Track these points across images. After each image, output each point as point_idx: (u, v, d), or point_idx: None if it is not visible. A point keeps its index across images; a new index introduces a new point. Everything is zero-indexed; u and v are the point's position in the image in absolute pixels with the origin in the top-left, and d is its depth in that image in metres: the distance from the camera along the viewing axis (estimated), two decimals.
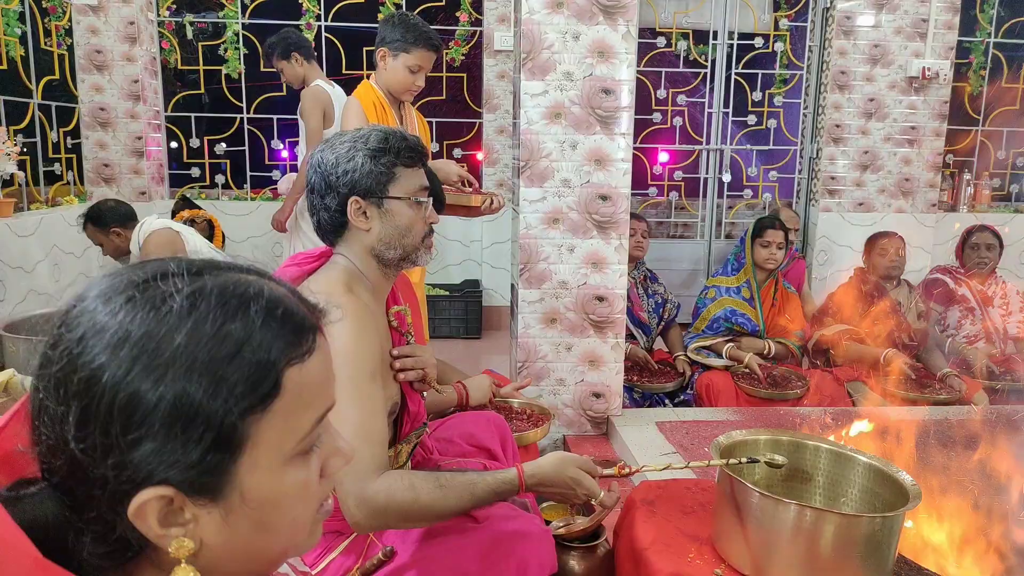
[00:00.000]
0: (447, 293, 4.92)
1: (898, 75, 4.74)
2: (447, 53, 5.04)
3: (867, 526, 1.31)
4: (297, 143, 5.07)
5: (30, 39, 4.07)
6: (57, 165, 4.41)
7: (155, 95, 4.89)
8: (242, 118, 4.99)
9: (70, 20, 4.53)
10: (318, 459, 0.62)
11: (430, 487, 1.31)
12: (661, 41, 5.11)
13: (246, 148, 5.00)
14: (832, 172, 4.88)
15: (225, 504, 0.56)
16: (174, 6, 4.90)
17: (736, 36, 4.96)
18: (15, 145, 3.61)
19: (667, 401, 3.27)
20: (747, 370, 3.14)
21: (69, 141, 4.55)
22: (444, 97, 5.24)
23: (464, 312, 4.88)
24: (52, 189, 4.37)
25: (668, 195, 5.31)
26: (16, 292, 3.65)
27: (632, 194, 2.87)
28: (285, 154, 5.15)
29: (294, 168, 5.14)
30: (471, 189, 2.67)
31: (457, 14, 5.04)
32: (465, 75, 5.17)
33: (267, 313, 0.57)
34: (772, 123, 5.21)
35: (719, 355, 3.25)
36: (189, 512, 0.55)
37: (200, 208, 4.40)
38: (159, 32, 4.88)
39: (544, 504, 2.02)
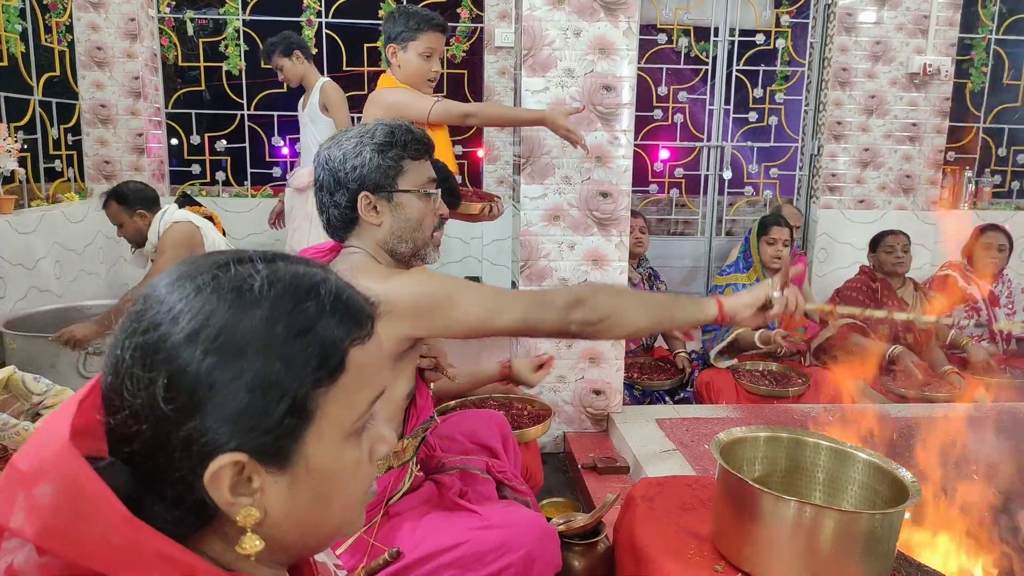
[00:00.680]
0: None
1: (899, 72, 4.74)
2: (448, 50, 5.03)
3: (867, 523, 1.31)
4: (298, 139, 5.07)
5: (31, 35, 4.07)
6: (58, 162, 4.41)
7: (156, 92, 4.88)
8: (243, 115, 4.98)
9: (71, 16, 4.52)
10: (366, 442, 0.67)
11: (625, 287, 1.44)
12: (662, 38, 5.10)
13: (247, 145, 5.00)
14: (833, 169, 4.88)
15: (291, 473, 0.60)
16: (174, 3, 4.89)
17: (737, 33, 4.95)
18: (16, 142, 3.61)
19: (667, 398, 3.27)
20: (749, 366, 3.13)
21: (70, 138, 4.55)
22: (445, 94, 5.23)
23: None
24: (53, 186, 4.37)
25: (669, 192, 5.30)
26: (17, 289, 3.65)
27: (633, 191, 2.87)
28: (285, 151, 5.14)
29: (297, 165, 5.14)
30: (470, 191, 2.67)
31: (458, 11, 5.03)
32: (466, 72, 5.17)
33: (334, 297, 0.62)
34: (773, 120, 5.20)
35: (729, 356, 3.23)
36: (257, 482, 0.59)
37: (201, 205, 4.40)
38: (160, 28, 4.88)
39: (545, 501, 2.03)
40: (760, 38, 5.06)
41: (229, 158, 5.07)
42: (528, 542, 1.44)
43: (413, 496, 1.59)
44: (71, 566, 0.54)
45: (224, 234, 4.42)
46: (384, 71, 2.69)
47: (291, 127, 5.11)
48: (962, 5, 4.73)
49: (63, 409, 0.58)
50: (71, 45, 4.54)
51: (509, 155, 4.96)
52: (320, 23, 4.88)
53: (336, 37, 4.97)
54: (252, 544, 0.59)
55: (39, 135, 4.16)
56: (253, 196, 5.03)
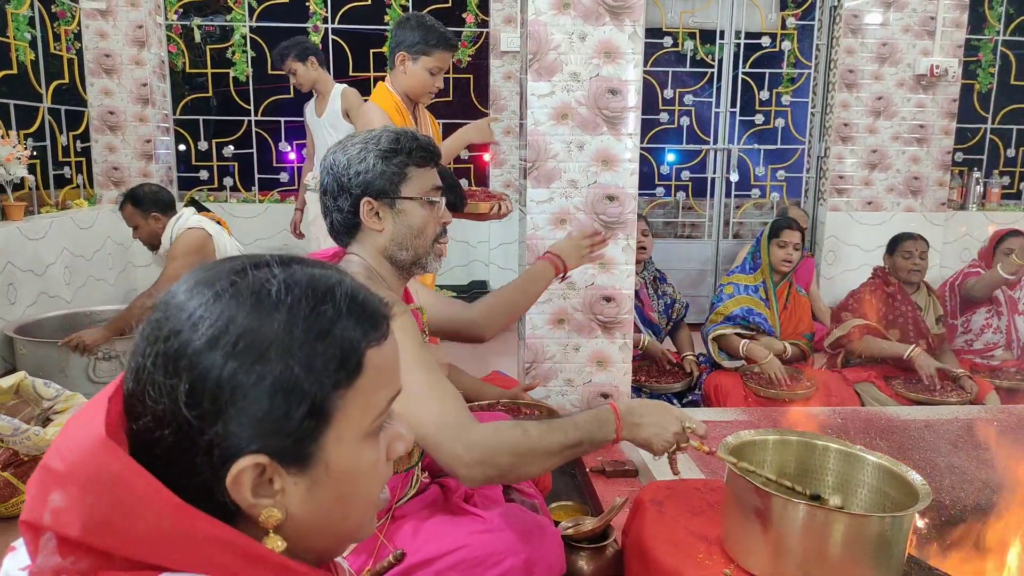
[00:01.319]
0: (454, 294, 4.93)
1: (906, 73, 4.73)
2: (453, 55, 5.04)
3: (877, 526, 1.31)
4: (304, 145, 5.09)
5: (40, 44, 4.10)
6: (67, 168, 4.44)
7: (163, 98, 4.91)
8: (250, 121, 5.01)
9: (79, 24, 4.56)
10: (384, 441, 0.68)
11: (535, 424, 1.32)
12: (668, 41, 5.11)
13: (254, 150, 5.02)
14: (840, 171, 4.86)
15: (312, 474, 0.61)
16: (182, 10, 4.92)
17: (743, 35, 4.95)
18: (25, 149, 3.64)
19: (675, 401, 3.26)
20: (758, 368, 3.13)
21: (79, 145, 4.58)
22: (451, 98, 5.25)
23: None
24: (62, 192, 4.40)
25: (675, 195, 5.30)
26: (27, 295, 3.67)
27: (639, 194, 2.86)
28: (292, 156, 5.16)
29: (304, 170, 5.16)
30: (479, 191, 2.68)
31: (463, 15, 5.05)
32: (472, 76, 5.18)
33: (350, 299, 0.63)
34: (780, 122, 5.19)
35: (734, 356, 3.23)
36: (279, 483, 0.60)
37: (209, 210, 4.41)
38: (167, 35, 4.91)
39: (553, 504, 2.02)
40: (766, 41, 5.06)
41: (236, 164, 5.09)
42: (530, 546, 1.43)
43: (418, 499, 1.59)
44: (110, 562, 0.54)
45: None
46: (385, 76, 2.71)
47: (298, 133, 5.13)
48: (969, 6, 4.71)
49: (92, 407, 0.59)
50: (80, 53, 4.58)
51: (515, 159, 4.97)
52: (326, 29, 4.90)
53: (342, 42, 4.99)
54: (275, 544, 0.60)
55: (48, 142, 4.19)
56: (261, 201, 5.05)
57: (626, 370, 2.88)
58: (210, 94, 5.20)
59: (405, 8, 4.92)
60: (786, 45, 5.10)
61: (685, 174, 5.26)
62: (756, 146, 5.28)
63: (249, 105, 4.99)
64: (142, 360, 0.59)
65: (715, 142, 5.07)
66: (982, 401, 3.08)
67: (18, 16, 3.93)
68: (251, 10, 4.89)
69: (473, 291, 4.96)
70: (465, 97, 5.23)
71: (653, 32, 5.04)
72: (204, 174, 5.08)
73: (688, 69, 5.24)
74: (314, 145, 3.98)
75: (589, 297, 2.81)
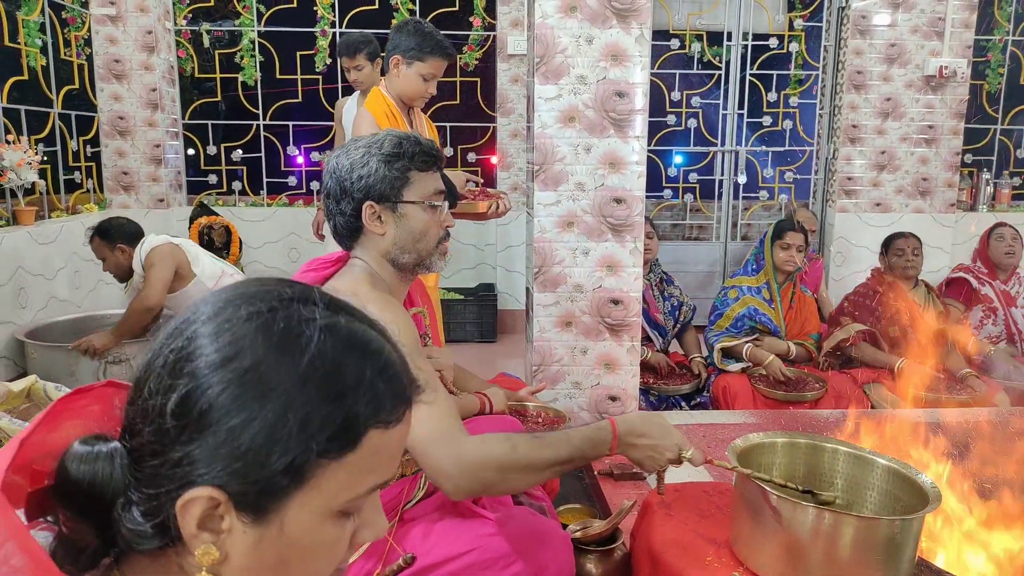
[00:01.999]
0: (462, 297, 4.93)
1: (915, 74, 4.71)
2: (460, 58, 5.06)
3: (886, 529, 1.30)
4: (313, 149, 5.11)
5: (50, 49, 4.13)
6: (77, 173, 4.47)
7: (172, 103, 4.94)
8: (258, 125, 5.03)
9: (89, 30, 4.59)
10: (352, 525, 0.64)
11: (526, 439, 1.31)
12: (675, 43, 5.10)
13: (262, 154, 5.04)
14: (849, 172, 4.85)
15: (263, 530, 0.58)
16: (191, 15, 4.95)
17: (750, 37, 4.95)
18: (36, 154, 3.67)
19: (683, 404, 3.26)
20: (764, 372, 3.12)
21: (89, 149, 4.61)
22: (458, 102, 5.26)
23: (479, 316, 4.89)
24: (72, 197, 4.43)
25: (683, 197, 5.29)
26: (37, 299, 3.70)
27: (647, 196, 2.86)
28: (300, 160, 5.18)
29: (312, 174, 5.18)
30: (477, 191, 2.68)
31: (470, 19, 5.06)
32: (479, 79, 5.19)
33: (380, 371, 0.60)
34: (787, 124, 5.18)
35: (739, 359, 3.23)
36: (227, 523, 0.57)
37: (218, 215, 4.44)
38: (176, 41, 4.94)
39: (561, 507, 2.02)
40: (773, 42, 5.05)
41: (245, 168, 5.12)
42: (539, 549, 1.43)
43: (427, 502, 1.59)
44: None
45: (241, 244, 4.46)
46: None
47: (306, 136, 5.15)
48: (978, 7, 4.69)
49: (4, 450, 0.57)
50: (90, 58, 4.61)
51: (523, 162, 4.98)
52: (334, 33, 4.92)
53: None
54: None
55: (59, 147, 4.22)
56: (269, 205, 5.07)
57: (634, 372, 2.88)
58: (219, 98, 5.22)
59: (412, 12, 4.93)
60: (794, 47, 5.09)
61: (693, 176, 5.26)
62: (764, 148, 5.27)
63: (257, 109, 5.02)
64: (159, 349, 0.59)
65: (723, 144, 5.06)
66: (992, 400, 3.07)
67: (29, 22, 3.96)
68: (259, 15, 4.91)
69: (480, 294, 4.96)
70: (472, 100, 5.24)
71: (660, 34, 5.04)
72: (213, 178, 5.11)
73: (695, 71, 5.24)
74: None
75: (597, 300, 2.81)
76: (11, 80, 3.85)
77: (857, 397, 3.11)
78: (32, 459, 0.59)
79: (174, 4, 4.88)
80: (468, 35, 5.07)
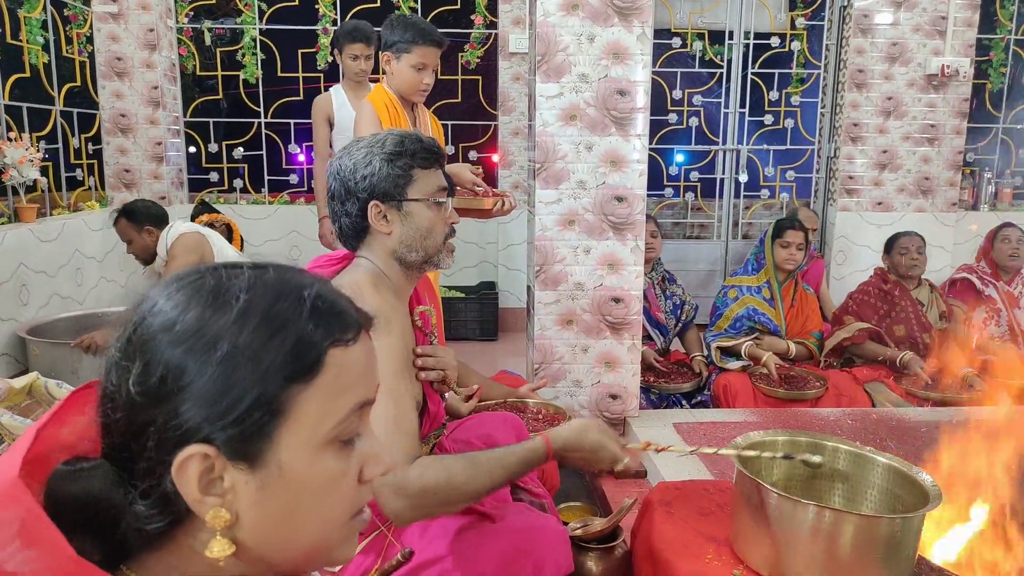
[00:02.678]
0: (463, 295, 4.94)
1: (917, 73, 4.70)
2: (462, 56, 5.06)
3: (887, 527, 1.30)
4: (312, 147, 5.09)
5: (52, 47, 4.14)
6: (79, 171, 4.47)
7: (174, 101, 4.94)
8: (260, 123, 5.03)
9: (91, 28, 4.59)
10: (357, 460, 0.65)
11: (462, 466, 1.33)
12: (676, 42, 5.10)
13: (263, 152, 5.04)
14: (850, 171, 4.84)
15: (263, 474, 0.59)
16: (192, 13, 4.95)
17: (752, 36, 4.94)
18: (38, 151, 3.67)
19: (684, 402, 3.26)
20: (764, 370, 3.13)
21: (90, 147, 4.61)
22: (459, 100, 5.26)
23: (480, 314, 4.89)
24: (74, 195, 4.43)
25: (684, 196, 5.29)
26: (39, 296, 3.70)
27: (648, 195, 2.86)
28: (302, 158, 5.18)
29: (313, 172, 5.17)
30: (482, 190, 2.68)
31: (472, 17, 5.05)
32: (480, 78, 5.18)
33: (317, 299, 0.62)
34: (789, 123, 5.18)
35: (738, 357, 3.23)
36: (228, 480, 0.59)
37: (219, 212, 4.44)
38: (178, 39, 4.94)
39: (562, 505, 2.02)
40: (775, 41, 5.04)
41: (246, 166, 5.12)
42: (538, 545, 1.44)
43: None
44: None
45: (242, 241, 4.46)
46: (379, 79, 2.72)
47: (308, 135, 5.15)
48: (980, 5, 4.68)
49: (18, 443, 0.59)
50: (91, 56, 4.61)
51: (524, 160, 4.98)
52: (335, 31, 4.92)
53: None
54: (221, 548, 0.58)
55: (60, 145, 4.22)
56: (270, 203, 5.07)
57: (634, 371, 2.88)
58: (220, 96, 5.22)
59: (414, 10, 4.93)
60: (795, 45, 5.09)
61: (694, 175, 5.25)
62: (765, 146, 5.26)
63: (259, 107, 5.02)
64: (113, 346, 0.61)
65: (724, 143, 5.06)
66: (993, 400, 3.06)
67: (31, 20, 3.96)
68: (261, 13, 4.91)
69: (482, 292, 4.96)
70: (473, 98, 5.24)
71: (661, 33, 5.03)
72: (214, 176, 5.11)
73: (697, 70, 5.23)
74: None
75: (598, 298, 2.81)
76: (13, 77, 3.85)
77: (858, 396, 3.11)
78: (48, 450, 0.60)
79: (176, 2, 4.88)
80: (470, 33, 5.06)
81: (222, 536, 0.59)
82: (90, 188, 4.58)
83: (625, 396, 2.89)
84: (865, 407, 3.03)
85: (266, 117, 5.03)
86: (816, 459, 1.47)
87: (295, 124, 5.07)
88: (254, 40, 4.93)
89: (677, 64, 5.22)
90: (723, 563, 1.45)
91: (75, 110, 4.41)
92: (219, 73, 5.09)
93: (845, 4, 4.76)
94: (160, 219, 3.36)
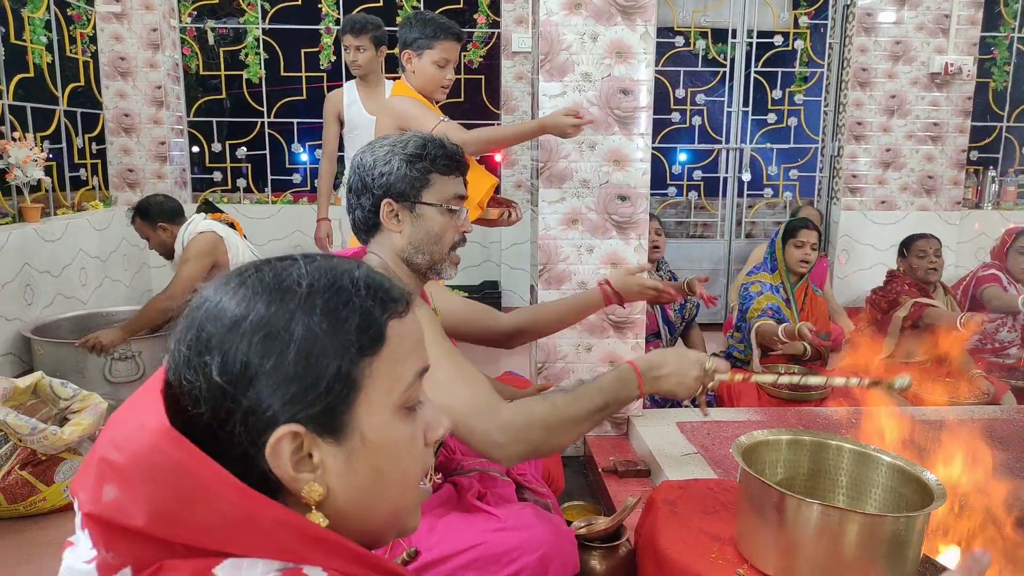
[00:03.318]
0: (466, 294, 4.94)
1: (920, 71, 4.69)
2: (465, 55, 5.06)
3: (891, 526, 1.30)
4: (318, 146, 5.10)
5: (56, 47, 4.14)
6: (83, 170, 4.48)
7: (177, 100, 4.95)
8: (263, 122, 5.04)
9: (95, 28, 4.60)
10: (421, 424, 0.69)
11: (560, 395, 1.36)
12: (679, 40, 5.09)
13: (267, 152, 5.05)
14: (854, 170, 4.84)
15: (348, 445, 0.63)
16: (196, 12, 4.96)
17: (755, 34, 4.94)
18: (42, 151, 3.68)
19: (688, 401, 3.25)
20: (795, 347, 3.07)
21: (94, 147, 4.62)
22: (462, 99, 5.26)
23: None
24: (78, 194, 4.44)
25: (687, 195, 5.29)
26: (44, 296, 3.71)
27: (651, 194, 2.86)
28: (305, 157, 5.19)
29: (317, 172, 5.18)
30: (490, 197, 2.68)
31: (475, 16, 5.06)
32: (483, 77, 5.19)
33: (368, 279, 0.67)
34: (792, 121, 5.17)
35: (770, 344, 3.19)
36: (317, 456, 0.62)
37: (222, 211, 4.44)
38: (181, 38, 4.94)
39: (566, 504, 2.02)
40: (778, 39, 5.04)
41: (250, 165, 5.13)
42: (543, 544, 1.44)
43: (432, 498, 1.60)
44: (172, 550, 0.56)
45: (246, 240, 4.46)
46: (399, 77, 2.70)
47: (311, 134, 5.15)
48: (984, 4, 4.67)
49: (146, 398, 0.61)
50: (95, 56, 4.62)
51: (527, 159, 4.98)
52: (338, 30, 4.92)
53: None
54: (318, 521, 0.61)
55: (64, 144, 4.23)
56: (274, 202, 5.08)
57: None
58: (223, 96, 5.23)
59: (417, 9, 4.93)
60: (799, 44, 5.08)
61: (697, 173, 5.25)
62: (769, 145, 5.26)
63: (262, 107, 5.02)
64: (177, 347, 0.63)
65: (727, 141, 5.06)
66: (999, 401, 3.06)
67: (35, 20, 3.97)
68: (264, 12, 4.92)
69: (485, 291, 4.97)
70: (476, 97, 5.24)
71: (665, 31, 5.03)
72: (217, 175, 5.12)
73: (700, 68, 5.23)
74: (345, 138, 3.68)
75: None
76: (17, 77, 3.86)
77: (863, 396, 3.10)
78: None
79: (179, 2, 4.89)
80: (472, 32, 5.07)
81: (317, 510, 0.62)
82: (94, 188, 4.59)
83: None
84: (870, 407, 3.02)
85: (269, 116, 5.03)
86: (904, 381, 1.45)
87: (298, 123, 5.08)
88: (257, 40, 4.93)
89: (680, 63, 5.22)
90: (727, 562, 1.45)
91: (79, 110, 4.42)
92: (222, 73, 5.10)
93: (848, 2, 4.76)
94: (173, 213, 3.35)
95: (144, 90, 4.72)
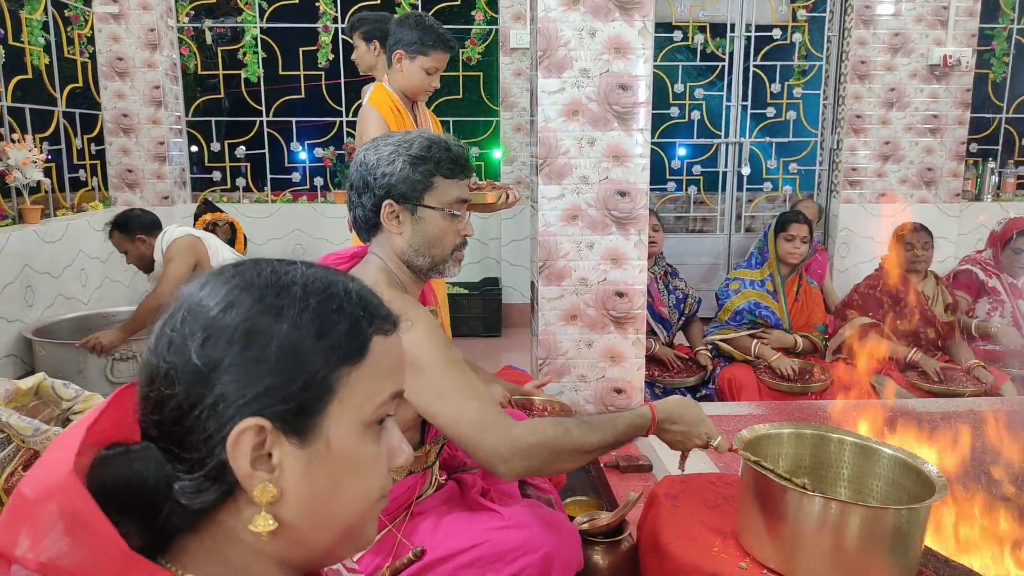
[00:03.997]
0: (467, 291, 4.94)
1: (919, 63, 4.68)
2: (463, 52, 5.05)
3: (893, 518, 1.31)
4: (317, 145, 5.10)
5: (54, 48, 4.14)
6: (82, 171, 4.48)
7: (176, 100, 4.95)
8: (261, 121, 5.03)
9: (92, 28, 4.60)
10: (385, 445, 0.68)
11: (575, 423, 1.37)
12: (678, 35, 5.09)
13: (266, 151, 5.05)
14: (853, 163, 4.83)
15: (312, 449, 0.62)
16: (193, 12, 4.95)
17: (753, 28, 4.93)
18: (41, 153, 3.68)
19: (689, 396, 3.26)
20: (774, 364, 3.12)
21: (93, 147, 4.62)
22: (460, 96, 5.26)
23: (484, 310, 4.89)
24: (77, 195, 4.44)
25: (687, 189, 5.29)
26: (44, 297, 3.71)
27: (650, 189, 2.86)
28: (304, 156, 5.19)
29: (316, 170, 5.18)
30: (485, 183, 2.68)
31: (472, 13, 5.05)
32: (481, 74, 5.18)
33: (360, 292, 0.67)
34: (791, 115, 5.16)
35: (731, 359, 3.26)
36: (277, 456, 0.61)
37: (222, 211, 4.45)
38: (179, 38, 4.94)
39: (568, 500, 2.03)
40: (777, 33, 5.03)
41: (249, 164, 5.12)
42: (548, 541, 1.44)
43: (436, 495, 1.60)
44: None
45: (245, 240, 4.47)
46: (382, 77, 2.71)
47: (310, 133, 5.15)
48: None
49: (70, 434, 0.60)
50: (93, 56, 4.61)
51: (526, 156, 4.97)
52: (336, 29, 4.92)
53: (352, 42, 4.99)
54: (265, 523, 0.60)
55: (63, 145, 4.23)
56: (273, 201, 5.08)
57: (639, 365, 2.88)
58: (222, 95, 5.23)
59: (415, 7, 4.93)
60: (797, 37, 5.07)
61: (696, 168, 5.25)
62: (768, 139, 5.25)
63: (261, 106, 5.02)
64: (163, 330, 0.63)
65: (726, 136, 5.05)
66: (998, 391, 3.07)
67: (32, 21, 3.96)
68: (262, 11, 4.91)
69: (485, 288, 4.97)
70: (475, 94, 5.24)
71: (663, 27, 5.02)
72: (217, 175, 5.11)
73: (698, 63, 5.22)
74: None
75: (601, 293, 2.81)
76: (15, 79, 3.86)
77: (863, 388, 3.11)
78: (96, 444, 0.61)
79: (176, 1, 4.88)
80: (471, 29, 5.06)
81: (267, 512, 0.61)
82: (93, 189, 4.59)
83: (630, 391, 2.89)
84: (870, 399, 3.03)
85: (268, 116, 5.03)
86: (803, 483, 1.46)
87: (297, 122, 5.07)
88: (255, 39, 4.93)
89: (678, 57, 5.21)
90: (729, 556, 1.46)
91: (77, 111, 4.41)
92: (220, 72, 5.10)
93: None
94: (151, 226, 3.36)
95: (142, 90, 4.71)
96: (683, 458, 1.61)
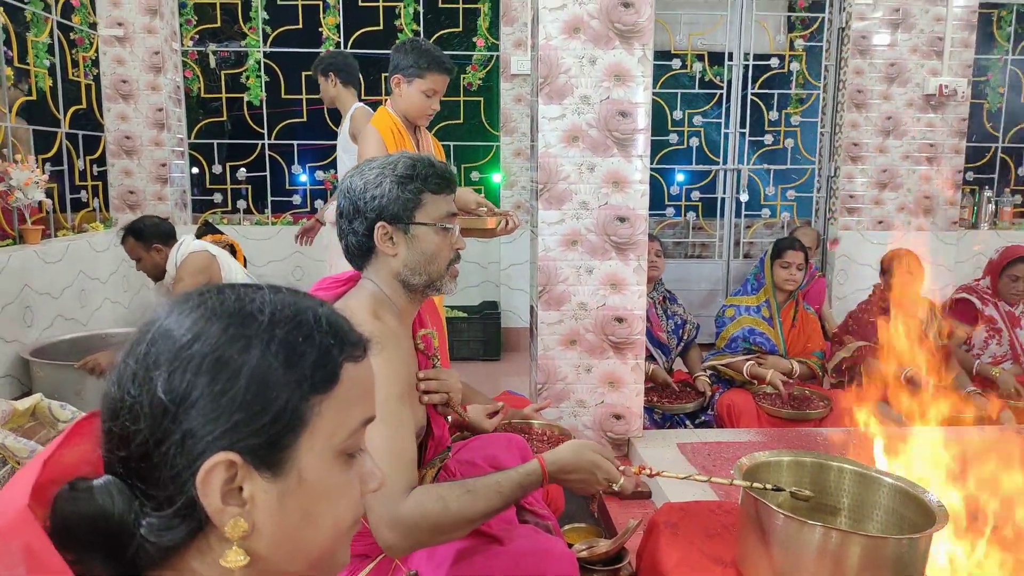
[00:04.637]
0: (466, 315, 4.94)
1: (915, 93, 4.74)
2: (464, 77, 5.10)
3: (894, 548, 1.30)
4: (318, 168, 5.13)
5: (58, 70, 4.18)
6: (84, 192, 4.50)
7: (179, 123, 4.98)
8: (263, 144, 5.07)
9: (97, 51, 4.64)
10: (357, 472, 0.67)
11: (458, 494, 1.32)
12: (676, 63, 5.15)
13: (267, 173, 5.07)
14: (850, 191, 4.87)
15: (283, 482, 0.61)
16: (197, 36, 5.01)
17: (751, 57, 4.99)
18: (43, 173, 3.70)
19: (688, 422, 3.25)
20: (771, 389, 3.12)
21: (95, 169, 4.64)
22: (461, 121, 5.30)
23: (483, 334, 4.89)
24: (79, 216, 4.45)
25: (685, 215, 5.31)
26: (43, 318, 3.71)
27: (649, 215, 2.88)
28: (305, 179, 5.21)
29: (317, 193, 5.20)
30: (485, 210, 2.69)
31: (474, 39, 5.11)
32: (482, 99, 5.23)
33: (330, 317, 0.65)
34: (789, 142, 5.21)
35: (730, 383, 3.25)
36: (248, 490, 0.60)
37: (222, 233, 4.46)
38: (183, 61, 4.99)
39: (567, 527, 2.02)
40: (774, 62, 5.09)
41: (250, 187, 5.15)
42: (545, 568, 1.43)
43: None
44: None
45: (245, 262, 4.48)
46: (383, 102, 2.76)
47: (311, 156, 5.19)
48: (977, 26, 4.73)
49: (27, 469, 0.59)
50: (97, 79, 4.65)
51: (526, 181, 5.00)
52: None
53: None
54: (236, 558, 0.59)
55: (66, 166, 4.25)
56: (274, 224, 5.09)
57: (638, 391, 2.88)
58: (224, 118, 5.26)
59: (417, 33, 4.98)
60: (794, 66, 5.13)
61: (695, 194, 5.28)
62: (766, 166, 5.29)
63: (263, 129, 5.05)
64: (125, 360, 0.61)
65: (724, 162, 5.09)
66: (996, 417, 3.06)
67: (37, 43, 4.00)
68: (265, 36, 4.97)
69: (485, 311, 4.97)
70: (476, 119, 5.28)
71: (662, 55, 5.08)
72: (218, 197, 5.14)
73: (697, 90, 5.28)
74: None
75: (601, 318, 2.82)
76: (20, 100, 3.89)
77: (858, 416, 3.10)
78: (55, 478, 0.60)
79: (181, 25, 4.93)
80: (472, 55, 5.11)
81: (239, 547, 0.60)
82: (95, 209, 4.60)
83: (629, 416, 2.88)
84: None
85: (270, 139, 5.06)
86: (807, 493, 1.46)
87: (298, 145, 5.11)
88: (258, 63, 4.98)
89: (677, 85, 5.26)
90: None
91: (80, 132, 4.44)
92: (223, 95, 5.14)
93: (843, 26, 4.81)
94: (168, 235, 3.38)
95: (145, 112, 4.75)
96: (592, 501, 1.58)
